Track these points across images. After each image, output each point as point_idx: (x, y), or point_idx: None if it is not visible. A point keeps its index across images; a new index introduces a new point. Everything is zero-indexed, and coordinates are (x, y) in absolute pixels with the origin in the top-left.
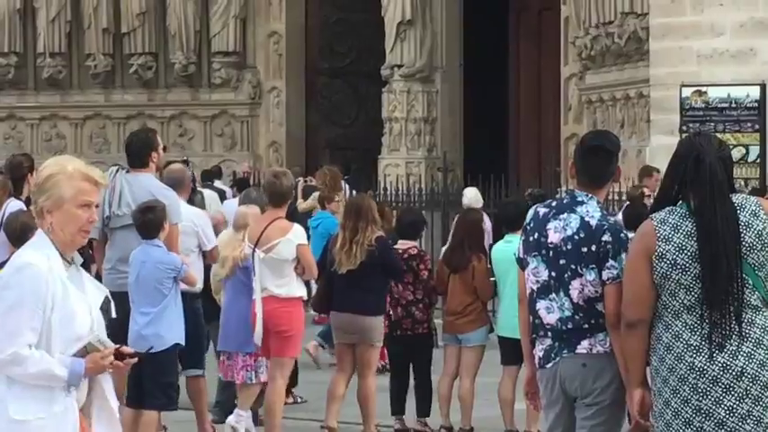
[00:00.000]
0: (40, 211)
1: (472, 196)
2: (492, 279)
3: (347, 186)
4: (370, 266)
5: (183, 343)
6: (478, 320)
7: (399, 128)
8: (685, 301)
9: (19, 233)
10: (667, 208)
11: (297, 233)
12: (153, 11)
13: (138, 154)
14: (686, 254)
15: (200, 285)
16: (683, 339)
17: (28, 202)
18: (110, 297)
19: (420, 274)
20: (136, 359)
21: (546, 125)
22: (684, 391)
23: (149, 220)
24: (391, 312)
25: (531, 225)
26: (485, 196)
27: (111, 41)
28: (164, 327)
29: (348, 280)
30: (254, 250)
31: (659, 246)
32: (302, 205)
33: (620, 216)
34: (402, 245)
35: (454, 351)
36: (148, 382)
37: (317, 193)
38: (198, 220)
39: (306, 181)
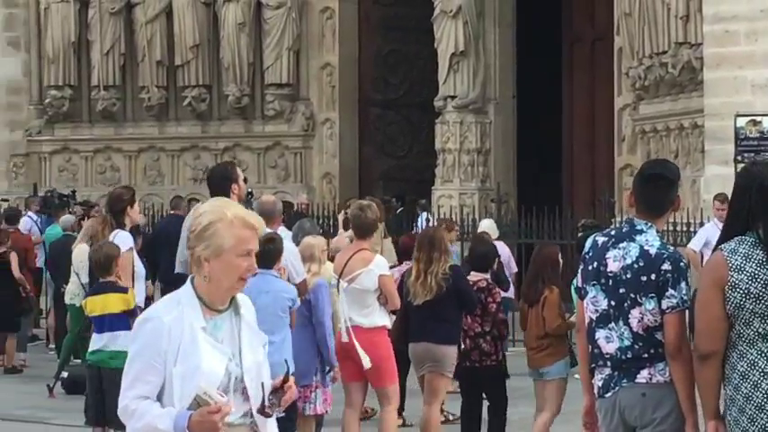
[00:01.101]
0: (198, 260)
1: (487, 226)
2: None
3: (426, 216)
4: (445, 296)
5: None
6: (556, 353)
7: (453, 159)
8: (760, 330)
9: (103, 263)
10: (736, 238)
11: (379, 264)
12: (206, 43)
13: (219, 186)
14: (759, 282)
15: None
16: (759, 367)
17: (131, 233)
18: (266, 343)
19: (488, 307)
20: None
21: (599, 156)
22: (762, 419)
23: (269, 251)
24: (461, 344)
25: (590, 254)
26: (538, 227)
27: (165, 74)
28: (287, 354)
29: (423, 311)
30: (338, 281)
31: (732, 276)
32: (345, 235)
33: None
34: (473, 276)
35: (540, 385)
36: None
37: None
38: (286, 253)
39: (345, 213)
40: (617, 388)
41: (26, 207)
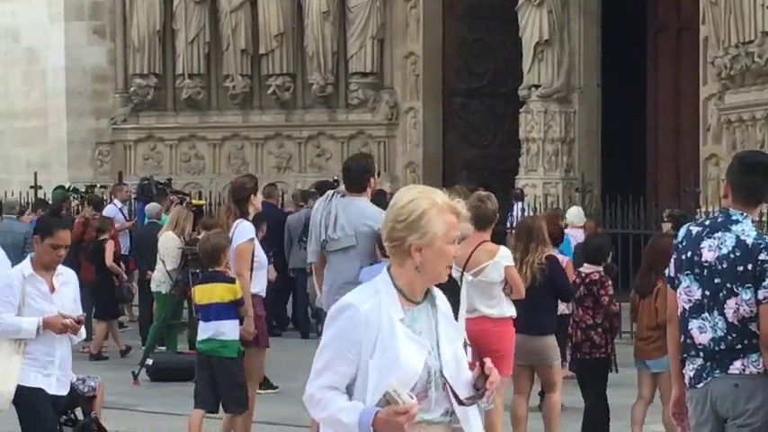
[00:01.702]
0: (407, 249)
1: (574, 214)
2: None
3: (519, 206)
4: (541, 286)
5: None
6: (666, 346)
7: (537, 148)
8: None
9: (210, 254)
10: None
11: (504, 255)
12: (291, 32)
13: (358, 179)
14: None
15: None
16: None
17: (253, 222)
18: (467, 340)
19: (600, 300)
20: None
21: (684, 145)
22: None
23: None
24: (572, 336)
25: (684, 244)
26: (623, 217)
27: (250, 62)
28: None
29: (520, 300)
30: (461, 273)
31: None
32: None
33: None
34: (586, 269)
35: (645, 376)
36: None
37: None
38: None
39: None
40: (709, 379)
41: (111, 195)
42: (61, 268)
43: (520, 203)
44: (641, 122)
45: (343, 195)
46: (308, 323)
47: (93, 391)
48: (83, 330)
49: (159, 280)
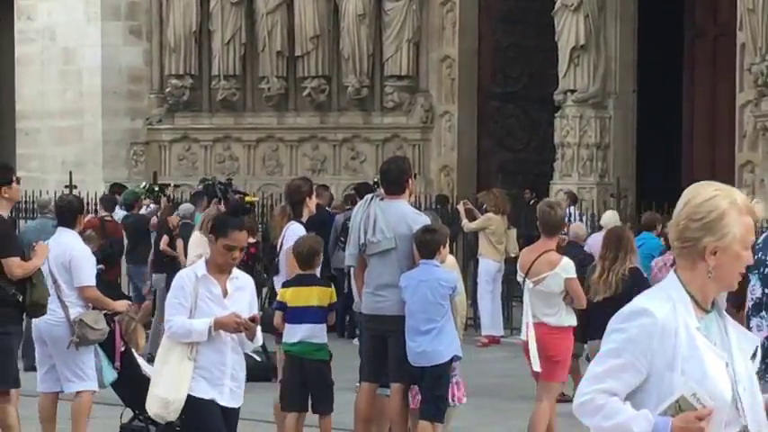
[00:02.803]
0: (701, 252)
1: (609, 218)
2: None
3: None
4: (625, 295)
5: (460, 355)
6: None
7: (572, 153)
8: None
9: (305, 257)
10: None
11: (565, 267)
12: (327, 34)
13: (397, 181)
14: None
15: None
16: None
17: (307, 225)
18: (758, 345)
19: None
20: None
21: (720, 152)
22: None
23: (427, 241)
24: None
25: (761, 245)
26: (659, 223)
27: (285, 64)
28: (445, 341)
29: (603, 308)
30: (524, 279)
31: None
32: (470, 226)
33: None
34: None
35: None
36: (425, 394)
37: (489, 215)
38: None
39: (465, 203)
40: (762, 382)
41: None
42: (237, 272)
43: (572, 207)
44: (677, 128)
45: (381, 199)
46: (344, 324)
47: None
48: (259, 336)
49: None
